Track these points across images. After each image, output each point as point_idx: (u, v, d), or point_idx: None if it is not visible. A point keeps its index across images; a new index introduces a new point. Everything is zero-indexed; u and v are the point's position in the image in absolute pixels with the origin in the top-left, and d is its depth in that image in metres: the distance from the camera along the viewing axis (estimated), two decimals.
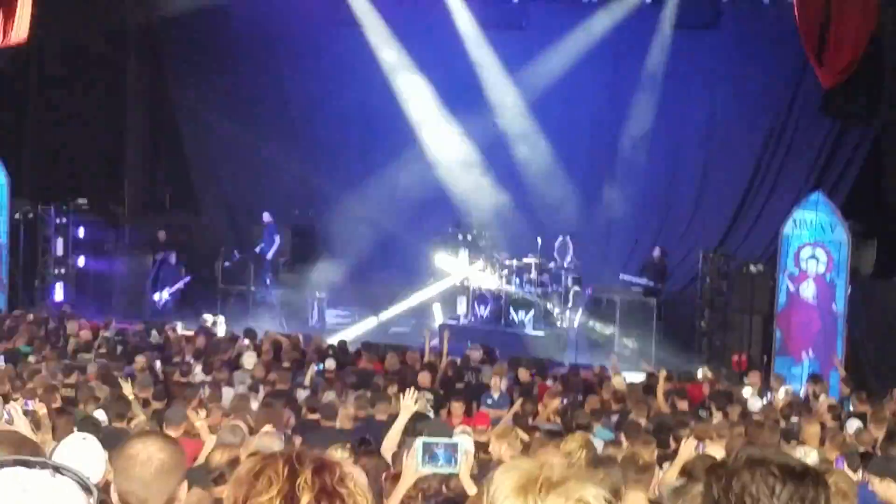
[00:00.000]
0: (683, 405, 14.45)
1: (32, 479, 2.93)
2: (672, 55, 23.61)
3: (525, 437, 10.83)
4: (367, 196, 24.74)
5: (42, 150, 25.14)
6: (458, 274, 23.18)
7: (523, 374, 16.61)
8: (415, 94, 25.05)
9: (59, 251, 24.06)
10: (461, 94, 24.89)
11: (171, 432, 9.42)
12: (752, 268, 20.72)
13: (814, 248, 19.41)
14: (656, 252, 22.85)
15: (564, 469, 2.95)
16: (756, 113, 23.48)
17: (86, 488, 3.01)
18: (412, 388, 9.36)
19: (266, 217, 24.67)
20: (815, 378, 16.89)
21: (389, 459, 8.73)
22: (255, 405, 12.85)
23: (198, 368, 16.02)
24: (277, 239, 24.67)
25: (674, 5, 23.43)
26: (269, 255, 24.66)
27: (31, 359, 15.68)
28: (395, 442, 8.84)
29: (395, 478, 7.26)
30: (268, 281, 24.70)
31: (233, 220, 26.84)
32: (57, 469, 2.98)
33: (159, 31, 25.89)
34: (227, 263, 24.57)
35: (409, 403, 8.82)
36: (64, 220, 24.04)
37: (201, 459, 8.45)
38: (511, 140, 24.60)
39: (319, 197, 25.83)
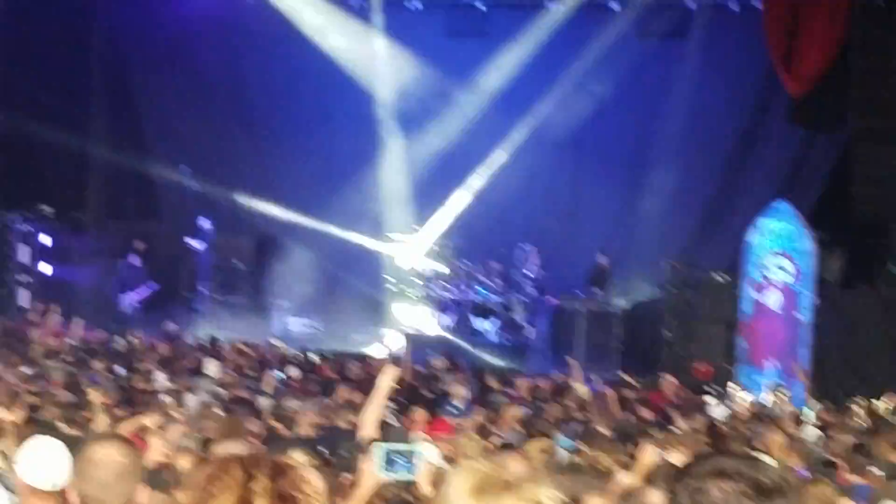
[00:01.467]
0: (646, 414, 14.47)
1: None
2: (639, 63, 23.69)
3: (486, 445, 10.82)
4: (330, 201, 24.74)
5: (5, 157, 24.87)
6: (419, 280, 23.19)
7: (486, 383, 16.59)
8: (378, 95, 25.20)
9: (24, 258, 23.91)
10: (425, 98, 24.97)
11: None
12: (717, 277, 20.75)
13: (779, 256, 19.42)
14: (603, 259, 22.95)
15: (522, 472, 2.95)
16: (722, 121, 23.57)
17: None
18: (388, 369, 9.21)
19: (202, 223, 24.77)
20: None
21: (371, 434, 8.59)
22: (218, 413, 12.83)
23: (161, 376, 15.91)
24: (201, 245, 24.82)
25: (640, 13, 23.54)
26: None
27: None
28: (376, 416, 8.66)
29: (354, 484, 7.22)
30: (204, 290, 24.77)
31: (196, 228, 26.73)
32: None
33: (123, 33, 25.78)
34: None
35: (388, 377, 8.66)
36: (28, 227, 23.90)
37: (148, 460, 8.41)
38: (475, 147, 24.64)
39: (283, 202, 25.72)
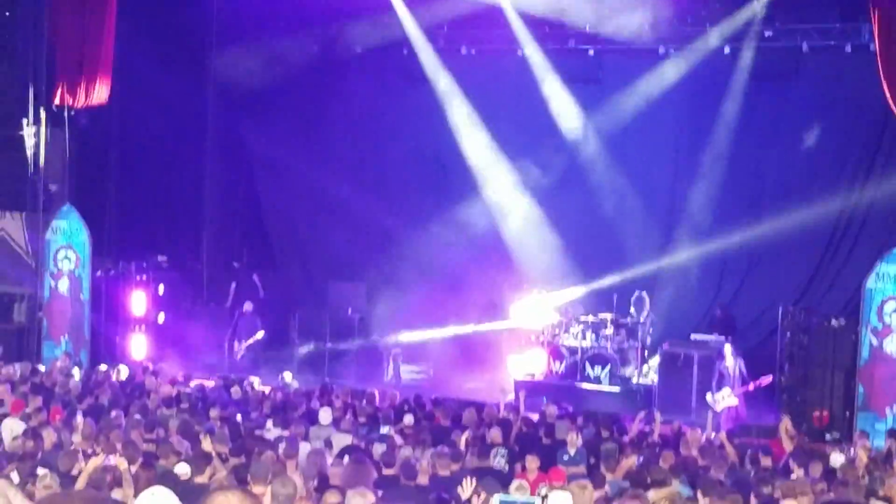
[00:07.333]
0: (766, 461, 14.27)
1: None
2: (751, 105, 23.56)
3: (599, 493, 10.77)
4: (441, 249, 24.82)
5: (122, 209, 25.37)
6: (534, 329, 23.14)
7: (600, 431, 16.46)
8: (486, 148, 25.38)
9: (140, 308, 24.29)
10: (537, 149, 25.02)
11: (258, 488, 9.43)
12: (834, 322, 20.41)
13: None
14: (717, 311, 23.01)
15: None
16: (837, 164, 23.32)
17: None
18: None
19: (247, 306, 24.73)
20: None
21: None
22: (329, 460, 12.93)
23: (274, 423, 16.01)
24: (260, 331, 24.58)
25: (752, 56, 23.39)
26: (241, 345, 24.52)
27: (113, 415, 15.76)
28: None
29: None
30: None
31: (308, 276, 27.06)
32: None
33: (238, 89, 26.16)
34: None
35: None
36: (144, 276, 24.30)
37: None
38: (585, 194, 24.63)
39: (396, 253, 25.78)
